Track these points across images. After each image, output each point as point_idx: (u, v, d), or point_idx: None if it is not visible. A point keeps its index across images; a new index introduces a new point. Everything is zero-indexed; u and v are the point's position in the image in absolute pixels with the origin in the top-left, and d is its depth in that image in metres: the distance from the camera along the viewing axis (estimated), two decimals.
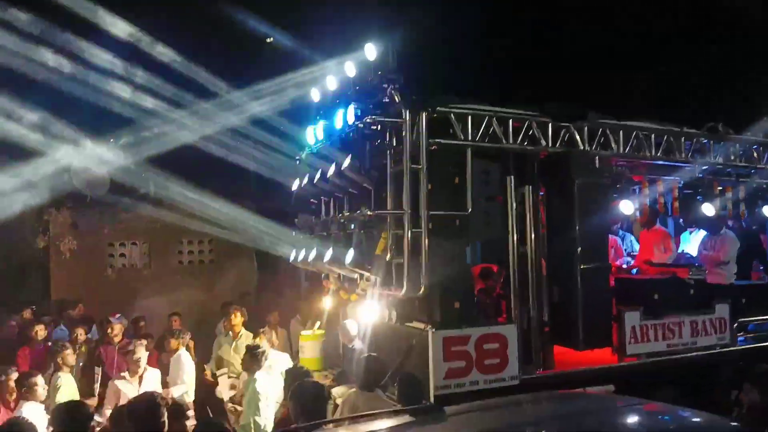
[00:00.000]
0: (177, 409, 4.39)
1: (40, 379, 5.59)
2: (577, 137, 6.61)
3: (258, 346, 6.44)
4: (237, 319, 8.01)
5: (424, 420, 3.02)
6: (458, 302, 5.93)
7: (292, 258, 7.75)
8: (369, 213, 5.72)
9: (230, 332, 8.17)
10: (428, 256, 5.60)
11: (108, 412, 6.08)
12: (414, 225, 5.58)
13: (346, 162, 5.95)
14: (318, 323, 7.96)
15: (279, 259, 10.13)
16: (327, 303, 7.87)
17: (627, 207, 7.54)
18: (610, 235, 7.81)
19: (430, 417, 3.09)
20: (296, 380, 5.10)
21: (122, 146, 10.54)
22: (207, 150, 9.96)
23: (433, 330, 5.74)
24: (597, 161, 6.63)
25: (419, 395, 4.38)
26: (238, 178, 10.60)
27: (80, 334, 8.05)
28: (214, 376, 8.03)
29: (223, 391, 7.55)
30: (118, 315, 8.89)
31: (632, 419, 3.28)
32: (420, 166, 5.60)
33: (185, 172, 10.39)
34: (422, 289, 5.61)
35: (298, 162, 7.79)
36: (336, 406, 6.45)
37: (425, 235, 5.60)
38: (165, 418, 3.78)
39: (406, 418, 3.09)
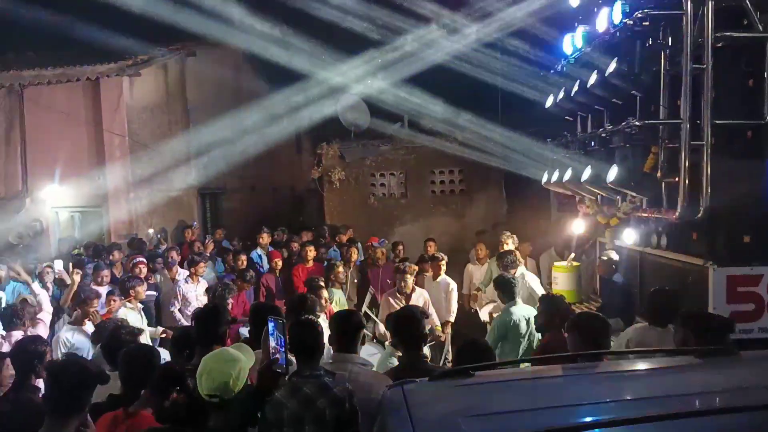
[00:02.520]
0: None
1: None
2: None
3: (504, 275, 6.27)
4: (508, 245, 8.00)
5: (715, 362, 2.51)
6: (748, 235, 4.96)
7: (544, 180, 7.33)
8: (637, 124, 4.99)
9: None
10: (710, 174, 4.73)
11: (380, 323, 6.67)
12: (693, 137, 4.74)
13: (611, 67, 5.24)
14: (572, 255, 7.49)
15: (529, 187, 9.75)
16: (581, 229, 7.32)
17: None
18: None
19: (722, 360, 2.56)
20: (552, 308, 4.84)
21: (378, 72, 10.99)
22: (457, 69, 9.76)
23: (715, 266, 4.92)
24: None
25: (712, 335, 3.75)
26: (488, 98, 10.30)
27: (352, 254, 8.83)
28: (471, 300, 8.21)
29: (483, 315, 7.64)
30: (382, 240, 9.53)
31: None
32: (704, 66, 4.67)
33: (437, 94, 10.44)
34: (701, 212, 4.79)
35: (553, 76, 7.21)
36: None
37: (707, 149, 4.72)
38: (426, 330, 3.94)
39: (691, 359, 2.61)
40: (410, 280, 6.81)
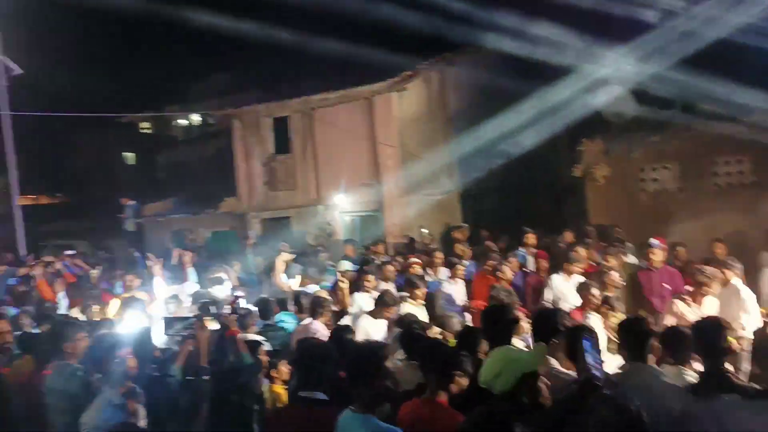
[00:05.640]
0: None
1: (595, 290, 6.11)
2: None
3: None
4: None
5: None
6: None
7: None
8: None
9: None
10: None
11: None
12: None
13: None
14: None
15: None
16: None
17: None
18: None
19: None
20: None
21: (642, 56, 10.17)
22: (741, 42, 8.42)
23: None
24: None
25: None
26: None
27: (620, 257, 8.35)
28: None
29: None
30: (657, 241, 8.81)
31: None
32: None
33: (716, 73, 9.21)
34: None
35: None
36: None
37: None
38: (727, 344, 3.59)
39: None
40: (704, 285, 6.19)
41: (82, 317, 6.95)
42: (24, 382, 4.82)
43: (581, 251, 8.35)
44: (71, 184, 28.59)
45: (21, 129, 14.70)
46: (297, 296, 6.75)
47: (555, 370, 3.78)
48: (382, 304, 6.28)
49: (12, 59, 13.79)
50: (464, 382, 3.55)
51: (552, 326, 3.91)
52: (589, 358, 2.84)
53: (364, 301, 7.24)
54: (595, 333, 2.92)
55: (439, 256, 9.32)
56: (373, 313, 6.28)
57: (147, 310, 6.65)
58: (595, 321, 5.55)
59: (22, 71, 13.85)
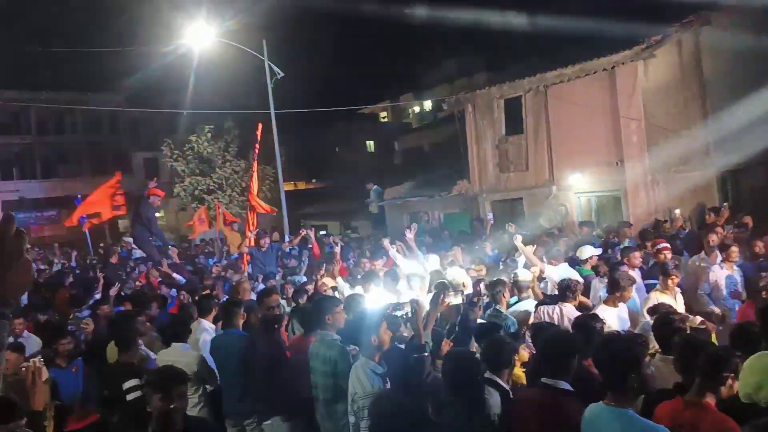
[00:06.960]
0: None
1: None
2: None
3: None
4: None
5: None
6: None
7: None
8: None
9: None
10: None
11: None
12: None
13: None
14: None
15: None
16: None
17: None
18: None
19: None
20: None
21: None
22: None
23: None
24: None
25: None
26: None
27: None
28: None
29: None
30: None
31: None
32: None
33: None
34: None
35: None
36: None
37: None
38: None
39: None
40: None
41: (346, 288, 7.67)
42: (296, 346, 5.55)
43: None
44: (324, 171, 31.99)
45: (283, 125, 16.77)
46: (515, 277, 6.61)
47: None
48: (617, 290, 5.81)
49: (275, 64, 15.73)
50: (737, 386, 3.12)
51: None
52: None
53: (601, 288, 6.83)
54: None
55: (715, 239, 8.27)
56: (608, 302, 5.86)
57: (390, 288, 7.08)
58: None
59: (283, 74, 15.69)
